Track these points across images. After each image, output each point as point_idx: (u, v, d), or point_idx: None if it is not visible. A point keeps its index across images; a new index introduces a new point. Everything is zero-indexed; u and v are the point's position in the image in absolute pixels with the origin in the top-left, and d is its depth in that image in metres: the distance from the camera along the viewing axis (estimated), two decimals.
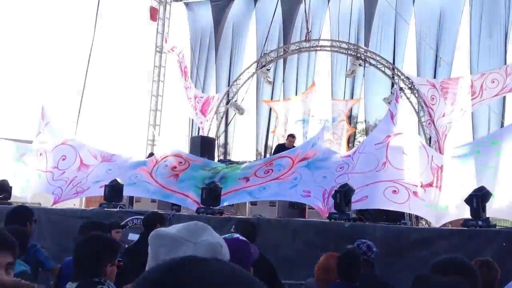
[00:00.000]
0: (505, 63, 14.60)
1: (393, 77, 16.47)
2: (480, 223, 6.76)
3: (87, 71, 17.20)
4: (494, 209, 7.44)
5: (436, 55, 16.39)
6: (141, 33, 22.48)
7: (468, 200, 6.92)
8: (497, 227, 7.43)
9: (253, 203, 10.05)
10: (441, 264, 2.30)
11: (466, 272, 2.24)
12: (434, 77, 15.66)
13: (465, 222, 7.03)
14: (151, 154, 11.79)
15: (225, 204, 9.20)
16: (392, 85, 16.25)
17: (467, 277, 2.22)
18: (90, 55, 16.91)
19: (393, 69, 16.44)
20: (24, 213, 4.98)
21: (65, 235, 7.86)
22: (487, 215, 6.96)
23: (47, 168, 10.08)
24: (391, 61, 16.77)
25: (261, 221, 7.93)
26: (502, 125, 14.57)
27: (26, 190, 10.12)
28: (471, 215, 6.89)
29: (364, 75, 17.87)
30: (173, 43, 17.48)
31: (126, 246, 6.84)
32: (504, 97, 14.68)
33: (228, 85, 18.81)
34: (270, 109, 18.79)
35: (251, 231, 5.02)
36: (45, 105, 10.58)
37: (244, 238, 2.46)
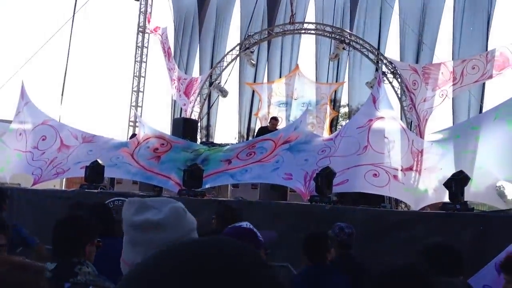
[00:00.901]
0: (486, 50, 14.74)
1: (376, 62, 16.54)
2: (458, 206, 6.85)
3: (68, 51, 16.96)
4: (472, 193, 7.56)
5: (419, 40, 16.47)
6: (123, 13, 22.23)
7: (447, 184, 7.00)
8: (474, 210, 7.54)
9: (235, 186, 10.08)
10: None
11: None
12: (417, 63, 15.76)
13: (443, 205, 7.12)
14: (134, 135, 11.72)
15: (207, 186, 9.20)
16: (376, 70, 16.33)
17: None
18: (71, 34, 16.67)
19: (377, 53, 16.49)
20: None
21: (46, 216, 7.80)
22: (465, 199, 7.06)
23: (26, 148, 9.95)
24: (375, 45, 16.82)
25: (242, 204, 7.97)
26: (481, 111, 14.77)
27: (5, 170, 10.00)
28: (449, 198, 6.98)
29: (348, 59, 17.92)
30: (156, 24, 17.31)
31: None
32: (484, 83, 14.85)
33: (211, 67, 18.72)
34: (253, 91, 18.76)
35: (231, 217, 5.00)
36: (25, 84, 10.42)
37: (250, 226, 2.48)
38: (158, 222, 1.57)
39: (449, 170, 7.44)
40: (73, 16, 16.57)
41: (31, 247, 4.89)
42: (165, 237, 1.55)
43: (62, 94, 16.50)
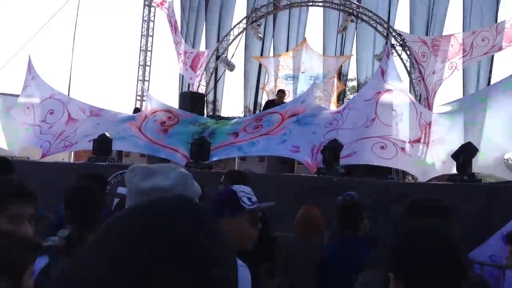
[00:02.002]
0: (496, 22, 14.54)
1: (385, 34, 16.35)
2: (465, 178, 6.84)
3: (75, 25, 16.91)
4: (480, 164, 7.53)
5: (429, 12, 16.24)
6: None
7: (455, 156, 6.98)
8: (482, 182, 7.52)
9: (242, 158, 10.09)
10: (417, 207, 2.30)
11: (443, 213, 2.25)
12: (426, 35, 15.57)
13: (451, 177, 7.11)
14: (137, 110, 11.72)
15: (214, 159, 9.22)
16: (386, 43, 16.15)
17: (444, 219, 2.24)
18: (78, 8, 16.58)
19: (386, 26, 16.29)
20: (5, 164, 4.95)
21: (53, 189, 7.86)
22: (473, 171, 7.04)
23: (34, 122, 9.99)
24: (384, 17, 16.61)
25: (250, 176, 7.98)
26: (489, 82, 14.64)
27: (14, 144, 10.06)
28: (457, 170, 6.97)
29: (356, 32, 17.73)
30: None
31: (116, 199, 6.91)
32: (493, 55, 14.68)
33: (218, 41, 18.59)
34: (260, 65, 18.64)
35: (240, 179, 5.00)
36: (32, 58, 10.40)
37: (238, 189, 2.42)
38: (166, 188, 1.56)
39: (457, 142, 7.41)
40: None
41: (40, 218, 4.92)
42: None
43: (70, 69, 16.49)
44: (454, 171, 7.08)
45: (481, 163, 7.59)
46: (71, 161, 11.93)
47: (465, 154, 6.90)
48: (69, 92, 14.21)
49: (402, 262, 1.56)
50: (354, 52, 18.04)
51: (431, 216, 2.22)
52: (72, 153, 12.12)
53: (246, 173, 5.31)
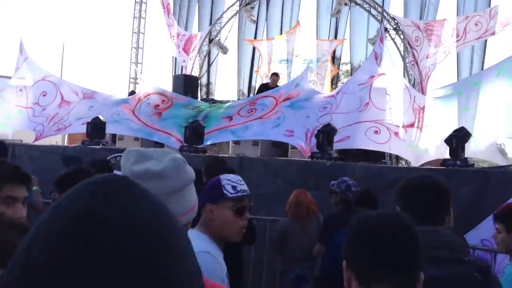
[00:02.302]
0: (489, 6, 14.54)
1: (380, 19, 16.30)
2: (458, 163, 6.89)
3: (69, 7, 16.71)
4: (473, 149, 7.59)
5: None
6: None
7: (448, 140, 7.02)
8: (475, 167, 7.59)
9: (236, 142, 10.10)
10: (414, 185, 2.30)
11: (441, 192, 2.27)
12: (420, 19, 15.55)
13: (444, 162, 7.16)
14: (132, 93, 11.67)
15: (208, 143, 9.22)
16: (379, 27, 16.11)
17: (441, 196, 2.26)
18: None
19: (379, 9, 16.24)
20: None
21: (47, 172, 7.83)
22: (466, 156, 7.09)
23: (27, 104, 9.93)
24: (378, 1, 16.55)
25: (243, 160, 8.01)
26: (483, 67, 14.68)
27: (7, 126, 10.01)
28: (450, 155, 7.01)
29: (349, 15, 17.67)
30: None
31: None
32: (486, 40, 14.70)
33: (211, 23, 18.46)
34: (254, 48, 18.56)
35: (219, 168, 4.98)
36: (23, 40, 10.30)
37: (224, 178, 2.43)
38: (159, 172, 1.57)
39: (450, 127, 7.44)
40: None
41: (30, 205, 4.91)
42: (165, 186, 1.57)
43: (62, 51, 16.34)
44: (447, 155, 7.12)
45: (474, 148, 7.64)
46: (65, 144, 11.89)
47: (458, 139, 6.94)
48: (61, 74, 14.09)
49: (349, 247, 1.50)
50: (347, 35, 17.99)
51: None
52: (66, 136, 12.08)
53: (223, 163, 5.28)
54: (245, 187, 2.37)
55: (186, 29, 18.82)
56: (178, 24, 17.78)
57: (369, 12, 16.33)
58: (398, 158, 10.36)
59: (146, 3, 20.61)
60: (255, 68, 18.52)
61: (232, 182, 2.35)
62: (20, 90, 10.02)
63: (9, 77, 10.49)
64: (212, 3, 19.50)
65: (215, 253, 2.20)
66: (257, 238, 5.13)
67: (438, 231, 2.12)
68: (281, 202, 6.98)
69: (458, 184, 6.46)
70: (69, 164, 5.57)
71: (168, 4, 17.25)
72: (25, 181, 2.25)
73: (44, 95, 9.92)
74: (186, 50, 16.93)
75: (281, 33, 18.31)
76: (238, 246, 4.36)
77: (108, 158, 7.79)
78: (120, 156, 8.05)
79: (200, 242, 2.17)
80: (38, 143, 9.53)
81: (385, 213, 1.59)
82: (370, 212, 1.64)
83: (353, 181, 5.51)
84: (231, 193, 2.30)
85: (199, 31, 18.52)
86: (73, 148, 8.98)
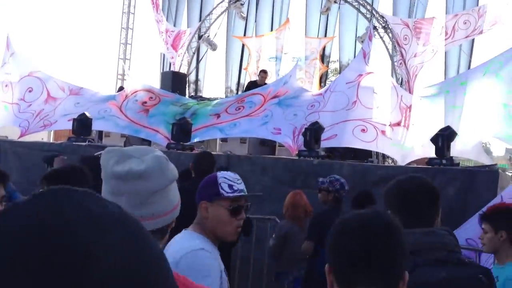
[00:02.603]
0: (477, 5, 14.62)
1: (369, 17, 16.32)
2: (444, 162, 6.93)
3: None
4: (458, 148, 7.63)
5: None
6: None
7: (434, 139, 7.05)
8: (460, 166, 7.63)
9: (223, 140, 10.09)
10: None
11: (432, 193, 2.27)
12: (409, 18, 15.59)
13: (430, 160, 7.20)
14: (121, 88, 11.60)
15: (195, 140, 9.21)
16: (368, 25, 16.13)
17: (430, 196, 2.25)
18: None
19: (368, 7, 16.27)
20: None
21: (32, 168, 7.79)
22: (451, 155, 7.13)
23: (13, 100, 9.85)
24: None
25: (231, 158, 8.00)
26: (469, 66, 14.78)
27: None
28: (436, 154, 7.04)
29: (339, 13, 17.68)
30: None
31: None
32: (473, 39, 14.78)
33: (200, 20, 18.40)
34: (243, 45, 18.52)
35: (207, 162, 4.98)
36: (10, 35, 10.20)
37: (220, 175, 2.40)
38: (141, 173, 1.55)
39: (436, 126, 7.48)
40: None
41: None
42: (148, 186, 1.55)
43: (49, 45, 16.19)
44: (433, 154, 7.15)
45: (460, 147, 7.68)
46: (51, 140, 11.80)
47: (444, 137, 6.98)
48: (49, 70, 13.98)
49: (330, 249, 1.45)
50: (336, 33, 18.01)
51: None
52: (52, 132, 11.99)
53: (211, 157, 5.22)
54: (242, 186, 2.32)
55: (175, 25, 18.73)
56: (167, 20, 17.69)
57: (358, 10, 16.36)
58: (384, 156, 10.40)
59: None
60: (243, 65, 18.49)
61: (229, 181, 2.30)
62: (6, 85, 9.93)
63: None
64: None
65: (209, 249, 2.17)
66: (252, 229, 5.12)
67: (436, 232, 2.12)
68: (268, 200, 7.00)
69: (443, 183, 6.50)
70: (49, 162, 5.53)
71: None
72: (3, 180, 2.22)
73: (30, 91, 9.84)
74: (174, 46, 16.86)
75: (270, 30, 18.29)
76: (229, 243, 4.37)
77: (95, 154, 7.74)
78: None
79: (194, 240, 2.16)
80: (23, 139, 9.46)
81: (364, 212, 1.53)
82: (352, 212, 1.61)
83: (344, 180, 5.52)
84: (227, 192, 2.25)
85: (188, 27, 18.45)
86: (58, 144, 8.92)
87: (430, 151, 7.41)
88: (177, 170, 1.68)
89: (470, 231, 5.10)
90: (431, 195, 2.23)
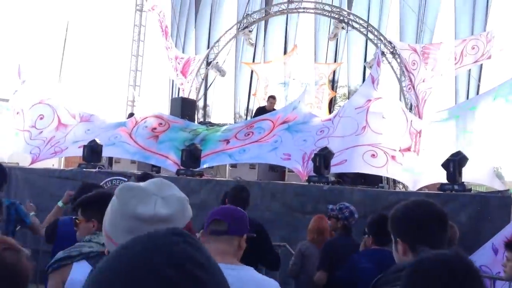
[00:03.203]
0: (485, 30, 14.67)
1: (377, 43, 16.40)
2: (456, 187, 6.86)
3: (66, 30, 16.85)
4: (470, 174, 7.56)
5: (419, 20, 16.34)
6: None
7: (445, 165, 7.00)
8: (472, 191, 7.56)
9: (233, 166, 10.07)
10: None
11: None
12: (416, 43, 15.66)
13: (441, 186, 7.13)
14: (131, 115, 11.68)
15: (205, 166, 9.20)
16: (376, 50, 16.20)
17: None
18: (70, 13, 16.52)
19: (376, 33, 16.36)
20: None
21: (43, 195, 7.81)
22: (463, 180, 7.06)
23: (24, 127, 9.93)
24: (374, 25, 16.68)
25: (241, 184, 7.97)
26: (478, 90, 14.77)
27: (3, 150, 9.99)
28: (447, 179, 6.98)
29: (346, 39, 17.79)
30: (153, 2, 17.12)
31: None
32: (481, 64, 14.80)
33: (208, 46, 18.57)
34: (251, 71, 18.64)
35: (245, 197, 5.04)
36: (21, 63, 10.34)
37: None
38: (167, 217, 1.52)
39: (448, 151, 7.44)
40: None
41: (26, 226, 5.02)
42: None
43: (60, 73, 16.41)
44: (445, 180, 7.10)
45: (471, 172, 7.62)
46: (61, 167, 11.84)
47: (455, 163, 6.93)
48: (60, 97, 14.11)
49: None
50: (345, 59, 18.10)
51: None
52: (62, 159, 12.04)
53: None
54: None
55: (183, 52, 18.91)
56: (176, 47, 17.87)
57: (366, 36, 16.46)
58: (395, 182, 10.33)
59: (145, 26, 20.76)
60: (252, 91, 18.58)
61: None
62: (18, 113, 10.02)
63: (7, 100, 10.50)
64: (210, 26, 19.64)
65: None
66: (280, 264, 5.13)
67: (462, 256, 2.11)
68: (278, 226, 6.95)
69: (456, 209, 6.44)
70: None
71: (166, 26, 17.36)
72: None
73: (41, 118, 9.92)
74: (184, 73, 16.99)
75: (279, 56, 18.42)
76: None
77: (103, 182, 7.76)
78: (116, 179, 8.02)
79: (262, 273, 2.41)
80: (34, 166, 9.50)
81: (444, 253, 1.55)
82: (428, 253, 1.60)
83: (354, 207, 5.47)
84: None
85: (196, 54, 18.61)
86: (68, 171, 8.95)
87: (440, 177, 7.35)
88: (187, 197, 1.67)
89: (484, 257, 5.04)
90: (440, 220, 2.19)
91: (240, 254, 2.38)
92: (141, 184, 1.61)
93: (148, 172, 6.39)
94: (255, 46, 18.58)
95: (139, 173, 6.77)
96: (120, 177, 8.13)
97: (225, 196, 5.24)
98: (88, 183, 5.11)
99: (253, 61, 18.76)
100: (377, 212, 6.80)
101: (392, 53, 15.74)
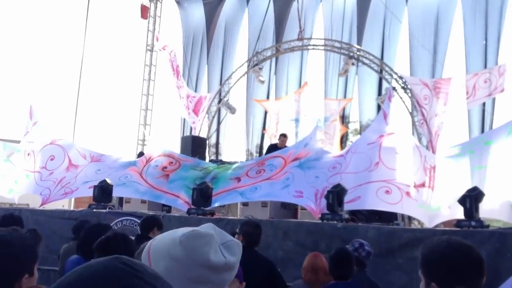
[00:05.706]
0: (497, 64, 14.63)
1: (387, 78, 16.42)
2: (473, 223, 6.69)
3: (81, 71, 17.08)
4: (486, 209, 7.39)
5: (429, 54, 16.37)
6: (132, 32, 22.36)
7: (461, 201, 6.85)
8: (490, 227, 7.36)
9: (244, 204, 9.95)
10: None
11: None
12: (427, 77, 15.65)
13: (458, 222, 6.96)
14: (141, 154, 11.66)
15: (216, 204, 9.09)
16: (386, 85, 16.20)
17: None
18: (83, 54, 16.79)
19: (387, 68, 16.39)
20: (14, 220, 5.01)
21: (53, 237, 7.75)
22: (479, 215, 6.90)
23: (35, 168, 9.94)
24: (384, 60, 16.73)
25: (253, 220, 7.84)
26: (492, 124, 14.63)
27: (14, 191, 9.98)
28: (464, 215, 6.82)
29: (357, 75, 17.84)
30: (164, 42, 17.36)
31: None
32: (494, 97, 14.71)
33: (220, 84, 18.71)
34: (262, 108, 18.70)
35: (257, 232, 4.97)
36: (33, 104, 10.43)
37: None
38: (233, 265, 1.45)
39: (463, 186, 7.28)
40: (85, 35, 16.69)
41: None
42: (231, 276, 1.46)
43: (75, 114, 16.56)
44: (461, 215, 6.93)
45: (487, 208, 7.45)
46: (71, 208, 11.80)
47: (471, 199, 6.78)
48: (73, 137, 14.21)
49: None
50: (355, 94, 18.10)
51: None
52: (72, 199, 12.01)
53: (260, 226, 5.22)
54: None
55: (195, 90, 19.08)
56: (187, 85, 18.02)
57: (376, 71, 16.49)
58: (411, 219, 10.12)
59: (155, 65, 21.02)
60: (263, 128, 18.60)
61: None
62: (28, 154, 10.06)
63: (18, 141, 10.55)
64: (222, 64, 19.84)
65: None
66: None
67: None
68: (291, 265, 6.78)
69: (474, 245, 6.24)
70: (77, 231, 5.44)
71: (178, 66, 17.55)
72: None
73: (52, 159, 9.94)
74: (196, 111, 17.08)
75: (288, 93, 18.48)
76: None
77: (113, 222, 7.68)
78: (127, 219, 7.94)
79: None
80: (44, 207, 9.46)
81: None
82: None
83: (365, 242, 5.31)
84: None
85: (208, 92, 18.75)
86: (78, 212, 8.89)
87: (457, 213, 7.18)
88: None
89: None
90: (480, 267, 2.06)
91: None
92: (203, 230, 1.51)
93: (85, 219, 5.93)
94: (268, 83, 18.69)
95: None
96: (130, 217, 8.04)
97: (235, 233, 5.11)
98: (83, 220, 5.04)
99: (267, 97, 18.85)
100: (393, 249, 6.65)
101: (403, 88, 15.72)
